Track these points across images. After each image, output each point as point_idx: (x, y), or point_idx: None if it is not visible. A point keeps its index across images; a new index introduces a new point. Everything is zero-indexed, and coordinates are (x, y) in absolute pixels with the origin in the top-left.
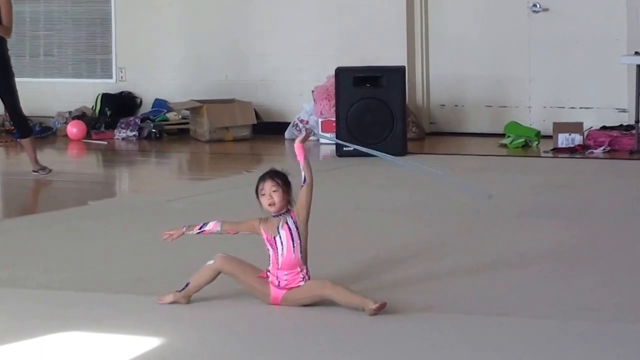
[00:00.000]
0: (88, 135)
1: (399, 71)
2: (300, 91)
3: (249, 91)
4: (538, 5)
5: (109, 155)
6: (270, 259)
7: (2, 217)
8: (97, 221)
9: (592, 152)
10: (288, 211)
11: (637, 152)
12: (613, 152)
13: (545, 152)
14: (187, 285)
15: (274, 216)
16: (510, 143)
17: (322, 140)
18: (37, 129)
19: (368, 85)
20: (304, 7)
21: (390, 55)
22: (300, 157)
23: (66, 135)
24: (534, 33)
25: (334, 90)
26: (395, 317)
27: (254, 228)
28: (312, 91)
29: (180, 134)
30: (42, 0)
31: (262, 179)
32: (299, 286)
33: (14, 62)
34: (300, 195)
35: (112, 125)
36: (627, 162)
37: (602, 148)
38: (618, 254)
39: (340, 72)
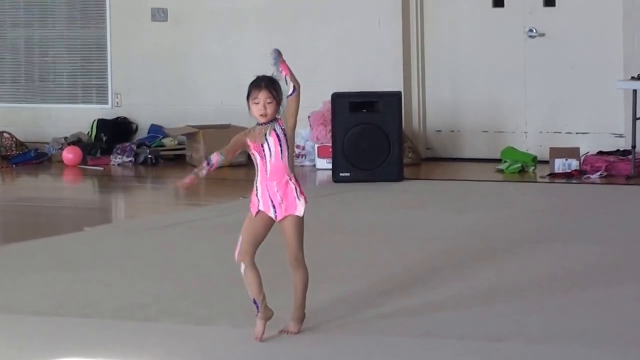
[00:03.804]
0: (84, 161)
1: (395, 96)
2: None
3: (245, 116)
4: (534, 31)
5: (104, 181)
6: (258, 169)
7: None
8: (93, 247)
9: (589, 177)
10: (275, 119)
11: (634, 177)
12: (610, 177)
13: (541, 177)
14: (254, 302)
15: (260, 124)
16: (507, 168)
17: (318, 166)
18: (33, 155)
19: (364, 110)
20: (300, 33)
21: (387, 80)
22: (285, 71)
23: (62, 161)
24: (530, 58)
25: (330, 116)
26: (394, 342)
27: (243, 143)
28: (308, 116)
29: (177, 159)
30: (36, 25)
31: (257, 86)
32: (296, 215)
33: (9, 87)
34: (289, 103)
35: (107, 151)
36: (623, 187)
37: (598, 173)
38: (615, 279)
39: (337, 98)
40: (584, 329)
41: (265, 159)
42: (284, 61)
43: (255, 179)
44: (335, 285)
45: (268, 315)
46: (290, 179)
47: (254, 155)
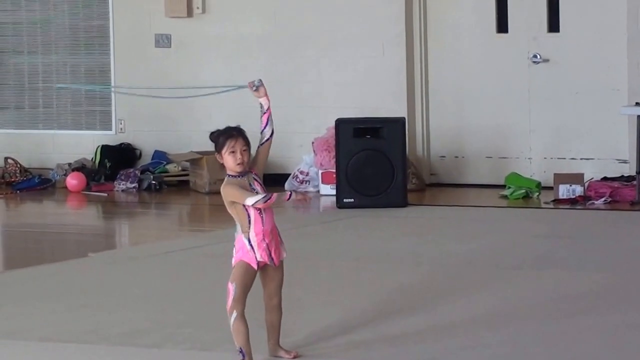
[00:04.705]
0: (88, 187)
1: (399, 122)
2: (299, 142)
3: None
4: (538, 56)
5: (108, 207)
6: (252, 221)
7: (3, 269)
8: (97, 273)
9: (593, 203)
10: (250, 170)
11: (638, 203)
12: (614, 203)
13: (546, 203)
14: (241, 351)
15: (235, 177)
16: (511, 194)
17: (322, 192)
18: (37, 181)
19: (368, 136)
20: (304, 59)
21: (390, 106)
22: (269, 111)
23: (65, 187)
24: (534, 84)
25: (334, 142)
26: None
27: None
28: (312, 142)
29: (180, 185)
30: (40, 52)
31: (231, 136)
32: (281, 262)
33: (13, 113)
34: (261, 151)
35: (111, 177)
36: (628, 213)
37: (603, 199)
38: (618, 305)
39: (340, 124)
40: (587, 355)
41: (261, 209)
42: (268, 104)
43: (247, 232)
44: (338, 311)
45: None
46: (276, 227)
47: (244, 208)
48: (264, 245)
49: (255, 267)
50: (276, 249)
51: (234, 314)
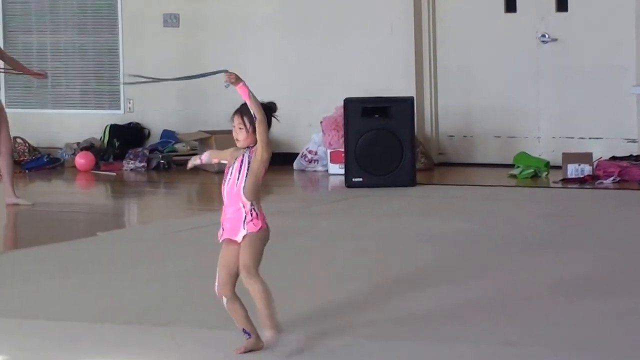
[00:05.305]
0: (96, 167)
1: (407, 102)
2: (308, 122)
3: None
4: (547, 36)
5: (117, 187)
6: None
7: (12, 248)
8: (106, 252)
9: (602, 182)
10: (249, 147)
11: None
12: (623, 183)
13: (554, 182)
14: (245, 331)
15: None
16: (520, 174)
17: (330, 171)
18: (46, 160)
19: (377, 116)
20: (313, 39)
21: (399, 85)
22: (244, 97)
23: (74, 167)
24: (542, 63)
25: (342, 121)
26: (406, 346)
27: (226, 159)
28: (321, 122)
29: None
30: (48, 31)
31: (234, 111)
32: (238, 242)
33: (22, 93)
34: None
35: (120, 157)
36: (636, 192)
37: (611, 178)
38: (627, 286)
39: (349, 103)
40: (595, 335)
41: (225, 183)
42: (243, 87)
43: None
44: (345, 290)
45: (258, 346)
46: (244, 206)
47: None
48: (222, 221)
49: (220, 240)
50: (230, 229)
51: (224, 299)
